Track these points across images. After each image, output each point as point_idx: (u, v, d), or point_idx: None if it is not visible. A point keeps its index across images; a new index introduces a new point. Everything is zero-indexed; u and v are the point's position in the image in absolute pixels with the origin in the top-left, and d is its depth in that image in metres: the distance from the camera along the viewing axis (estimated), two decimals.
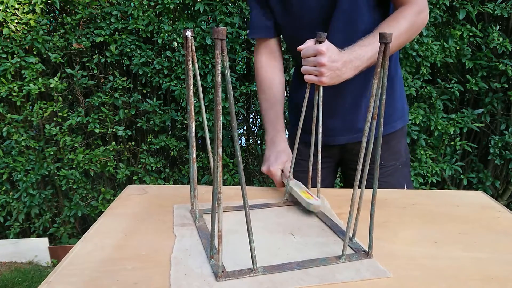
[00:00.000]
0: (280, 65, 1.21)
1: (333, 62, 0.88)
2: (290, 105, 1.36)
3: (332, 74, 0.88)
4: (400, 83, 1.22)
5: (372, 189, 0.71)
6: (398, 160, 1.24)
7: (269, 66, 1.19)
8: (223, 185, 0.70)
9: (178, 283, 0.65)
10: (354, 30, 1.04)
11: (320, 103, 0.88)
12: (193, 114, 0.81)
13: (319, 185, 0.95)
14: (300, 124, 0.91)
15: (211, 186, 1.04)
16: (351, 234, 0.77)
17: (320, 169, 0.93)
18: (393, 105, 1.19)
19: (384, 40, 0.64)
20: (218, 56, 0.57)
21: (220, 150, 0.60)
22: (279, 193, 1.05)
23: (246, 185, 2.59)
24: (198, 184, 1.01)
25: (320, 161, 0.92)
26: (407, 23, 0.99)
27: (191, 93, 0.80)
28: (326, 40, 0.87)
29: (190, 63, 0.78)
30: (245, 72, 2.26)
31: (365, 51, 0.93)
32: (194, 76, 0.85)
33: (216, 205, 0.62)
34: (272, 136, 1.12)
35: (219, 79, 0.58)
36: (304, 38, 0.92)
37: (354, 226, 0.76)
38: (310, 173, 0.97)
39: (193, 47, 0.79)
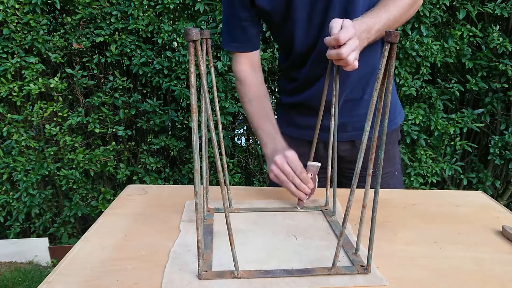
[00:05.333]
0: (263, 78, 1.12)
1: (355, 46, 0.80)
2: (279, 108, 1.27)
3: (357, 52, 0.83)
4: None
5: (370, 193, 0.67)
6: (393, 167, 1.17)
7: (253, 77, 1.10)
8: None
9: (170, 276, 0.66)
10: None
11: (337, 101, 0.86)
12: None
13: (335, 186, 0.92)
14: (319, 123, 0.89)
15: (218, 186, 1.03)
16: (355, 245, 0.75)
17: (334, 169, 0.90)
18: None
19: (389, 39, 0.56)
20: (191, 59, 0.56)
21: (196, 150, 0.60)
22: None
23: (246, 185, 2.55)
24: (201, 184, 0.98)
25: (335, 162, 0.89)
26: None
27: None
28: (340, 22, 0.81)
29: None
30: None
31: (373, 22, 0.90)
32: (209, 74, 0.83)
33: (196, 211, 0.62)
34: (272, 148, 0.99)
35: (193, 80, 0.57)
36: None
37: (357, 241, 0.74)
38: (329, 172, 0.93)
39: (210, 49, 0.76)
